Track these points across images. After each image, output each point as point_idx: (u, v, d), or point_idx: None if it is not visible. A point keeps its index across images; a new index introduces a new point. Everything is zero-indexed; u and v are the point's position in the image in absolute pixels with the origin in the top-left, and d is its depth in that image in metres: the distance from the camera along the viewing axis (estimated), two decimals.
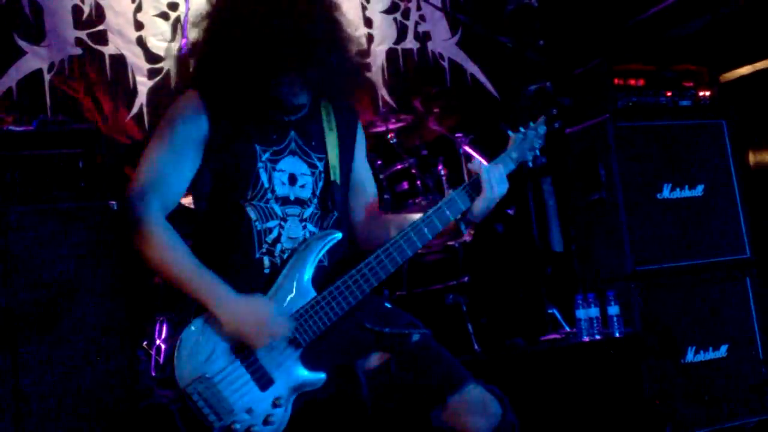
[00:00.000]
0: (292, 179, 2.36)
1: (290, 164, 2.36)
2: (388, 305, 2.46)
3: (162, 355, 3.88)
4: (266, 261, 2.31)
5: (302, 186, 2.37)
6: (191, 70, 2.39)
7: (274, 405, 2.22)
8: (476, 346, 4.05)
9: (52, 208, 3.53)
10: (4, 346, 3.33)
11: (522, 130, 2.51)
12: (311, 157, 2.39)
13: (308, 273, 2.28)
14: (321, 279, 2.31)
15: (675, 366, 4.13)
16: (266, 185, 2.32)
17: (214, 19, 2.32)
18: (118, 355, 3.51)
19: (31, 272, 3.45)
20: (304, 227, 2.35)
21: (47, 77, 4.76)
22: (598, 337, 4.10)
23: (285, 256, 2.31)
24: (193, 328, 2.21)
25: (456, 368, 2.33)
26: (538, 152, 2.54)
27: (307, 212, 2.36)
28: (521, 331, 4.37)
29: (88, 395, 3.41)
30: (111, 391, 3.44)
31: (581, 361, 3.93)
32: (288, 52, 2.23)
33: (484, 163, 2.39)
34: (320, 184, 2.39)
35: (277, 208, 2.33)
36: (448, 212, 2.35)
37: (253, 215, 2.31)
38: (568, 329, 4.44)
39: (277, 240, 2.32)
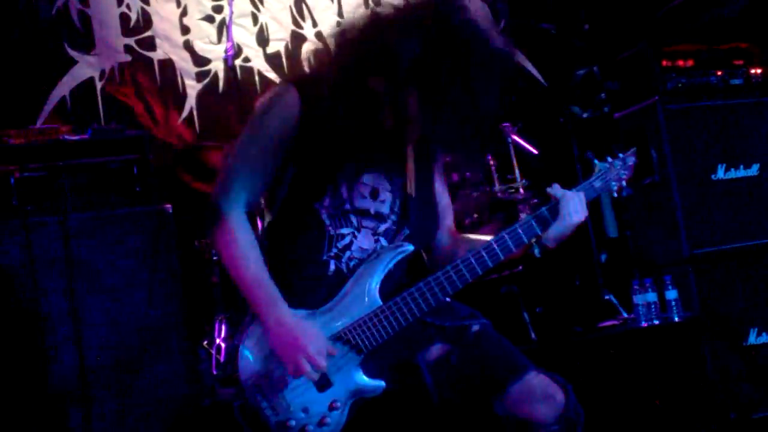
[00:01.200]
0: (374, 193, 2.34)
1: (373, 178, 2.34)
2: (447, 298, 2.46)
3: (222, 354, 3.94)
4: (332, 264, 2.30)
5: (383, 201, 2.35)
6: (306, 69, 2.36)
7: (331, 408, 2.23)
8: (533, 335, 4.03)
9: (110, 214, 3.62)
10: (72, 349, 3.42)
11: (609, 160, 2.45)
12: (392, 171, 2.37)
13: (376, 282, 2.27)
14: (389, 289, 2.30)
15: (737, 348, 4.07)
16: (344, 196, 2.30)
17: (360, 54, 2.22)
18: (180, 354, 3.59)
19: (92, 277, 3.54)
20: (377, 240, 2.34)
21: (99, 85, 4.86)
22: (656, 322, 4.06)
23: (352, 264, 2.30)
24: (255, 327, 2.23)
25: (516, 357, 2.32)
26: (624, 183, 2.47)
27: (382, 227, 2.35)
28: (578, 319, 4.34)
29: (151, 395, 3.49)
30: (174, 390, 3.51)
31: (641, 347, 3.90)
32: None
33: (563, 190, 2.35)
34: (398, 200, 2.37)
35: (354, 218, 2.32)
36: (522, 234, 2.32)
37: (327, 220, 2.30)
38: (625, 315, 4.40)
39: (348, 247, 2.31)
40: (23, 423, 3.33)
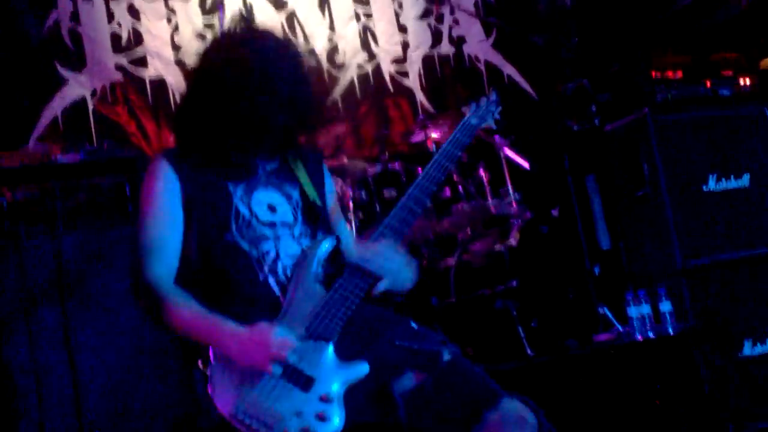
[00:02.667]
0: (272, 209, 2.42)
1: (265, 195, 2.43)
2: (415, 326, 2.47)
3: None
4: (271, 280, 2.34)
5: (284, 213, 2.42)
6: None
7: (323, 401, 2.21)
8: (529, 351, 4.03)
9: (103, 234, 3.61)
10: (65, 371, 3.41)
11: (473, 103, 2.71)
12: (284, 188, 2.46)
13: (314, 276, 2.32)
14: (329, 281, 2.33)
15: (731, 360, 4.08)
16: (248, 216, 2.38)
17: (196, 76, 2.49)
18: (175, 375, 3.57)
19: (86, 298, 3.53)
20: (299, 243, 2.40)
21: (91, 104, 4.86)
22: (651, 334, 4.06)
23: (289, 273, 2.34)
24: (216, 366, 2.26)
25: (489, 383, 2.32)
26: (498, 116, 2.71)
27: (297, 231, 2.41)
28: (573, 332, 4.35)
29: (145, 416, 3.47)
30: (169, 411, 3.50)
31: (636, 360, 3.89)
32: (253, 136, 2.39)
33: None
34: (299, 210, 2.45)
35: (267, 231, 2.38)
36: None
37: (245, 245, 2.35)
38: (620, 328, 4.40)
39: (276, 258, 2.36)
40: None
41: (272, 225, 2.39)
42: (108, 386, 3.48)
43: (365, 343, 2.33)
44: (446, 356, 2.34)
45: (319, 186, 2.54)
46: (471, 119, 2.64)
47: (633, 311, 4.12)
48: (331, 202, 2.61)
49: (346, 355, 2.27)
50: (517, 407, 2.26)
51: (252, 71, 2.39)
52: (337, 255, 2.41)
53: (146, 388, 3.50)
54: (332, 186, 2.67)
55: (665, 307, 4.09)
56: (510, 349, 3.91)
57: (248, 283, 2.33)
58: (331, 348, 2.25)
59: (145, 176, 2.44)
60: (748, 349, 4.16)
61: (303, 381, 2.20)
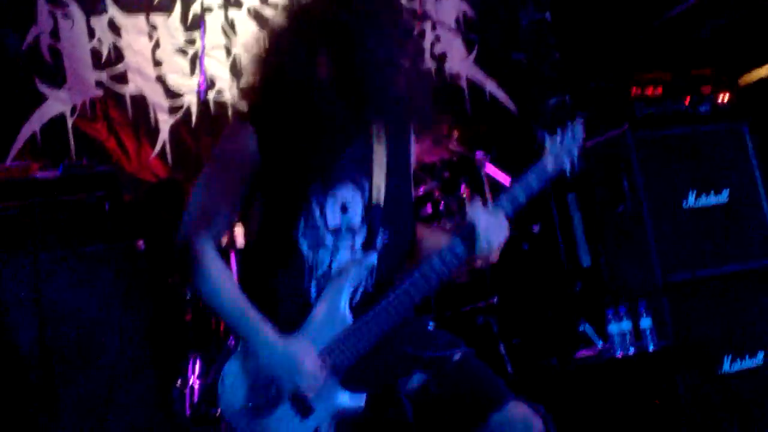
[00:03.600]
0: (344, 208, 2.34)
1: (341, 192, 2.34)
2: (430, 327, 2.46)
3: (196, 394, 3.90)
4: (314, 289, 2.31)
5: (353, 214, 2.34)
6: (246, 108, 2.37)
7: None
8: (509, 368, 4.03)
9: (81, 251, 3.59)
10: (42, 389, 3.37)
11: (558, 131, 2.38)
12: (360, 180, 2.36)
13: (344, 298, 2.27)
14: (364, 305, 2.30)
15: (711, 377, 4.09)
16: (318, 217, 2.31)
17: (270, 64, 2.29)
18: (153, 394, 3.54)
19: (63, 315, 3.50)
20: (354, 255, 2.34)
21: (70, 121, 4.83)
22: (631, 351, 4.06)
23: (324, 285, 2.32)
24: (235, 359, 2.24)
25: (497, 385, 2.31)
26: (576, 157, 2.36)
27: (359, 241, 2.34)
28: (554, 349, 4.35)
29: None
30: (147, 430, 3.47)
31: (616, 378, 3.89)
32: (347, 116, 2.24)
33: (479, 213, 2.27)
34: (369, 209, 2.35)
35: (329, 240, 2.31)
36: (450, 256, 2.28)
37: (305, 248, 2.30)
38: (600, 345, 4.40)
39: (329, 269, 2.31)
40: None
41: (337, 232, 2.32)
42: (85, 408, 3.44)
43: (374, 370, 2.31)
44: (456, 357, 2.32)
45: (399, 175, 2.39)
46: (546, 166, 2.32)
47: (614, 328, 4.13)
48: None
49: (349, 379, 2.26)
50: (524, 411, 2.26)
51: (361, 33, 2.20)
52: (380, 275, 2.34)
53: (124, 408, 3.47)
54: (413, 150, 2.49)
55: (645, 323, 4.09)
56: (491, 367, 3.90)
57: (293, 285, 2.30)
58: (337, 380, 2.25)
59: (224, 135, 2.36)
60: (727, 366, 4.17)
61: (304, 409, 2.22)
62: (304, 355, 2.20)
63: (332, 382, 2.25)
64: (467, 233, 2.25)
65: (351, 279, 2.29)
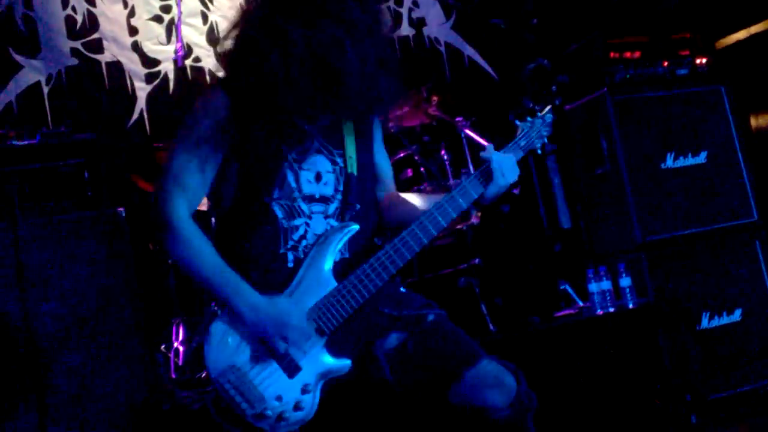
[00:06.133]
0: (318, 177, 2.39)
1: (315, 162, 2.39)
2: (403, 289, 2.51)
3: (181, 357, 3.91)
4: (290, 255, 2.34)
5: (326, 183, 2.40)
6: (223, 72, 2.39)
7: (303, 391, 2.27)
8: (492, 327, 4.07)
9: (61, 219, 3.56)
10: (27, 357, 3.36)
11: (529, 119, 2.55)
12: (333, 153, 2.42)
13: (328, 264, 2.32)
14: (342, 270, 2.34)
15: (690, 333, 4.15)
16: (293, 185, 2.35)
17: (246, 32, 2.31)
18: (137, 359, 3.55)
19: (46, 284, 3.48)
20: (328, 223, 2.39)
21: (46, 89, 4.78)
22: (611, 309, 4.12)
23: (308, 251, 2.35)
24: (220, 321, 2.25)
25: (470, 345, 2.38)
26: (546, 140, 2.58)
27: (331, 209, 2.40)
28: (536, 308, 4.39)
29: (110, 400, 3.45)
30: (133, 395, 3.48)
31: (597, 335, 3.95)
32: (319, 98, 2.27)
33: (495, 153, 2.43)
34: (341, 179, 2.42)
35: (304, 207, 2.37)
36: (461, 200, 2.39)
37: (279, 213, 2.34)
38: (581, 304, 4.45)
39: (303, 237, 2.36)
40: None
41: (311, 199, 2.37)
42: (71, 375, 3.44)
43: (355, 331, 2.35)
44: (431, 317, 2.39)
45: (366, 147, 2.49)
46: (519, 141, 2.52)
47: (594, 287, 4.18)
48: (378, 142, 2.56)
49: (333, 340, 2.30)
50: (496, 368, 2.32)
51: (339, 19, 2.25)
52: (358, 241, 2.40)
53: (109, 373, 3.47)
54: (380, 125, 2.58)
55: (625, 282, 4.15)
56: (473, 326, 3.94)
57: (268, 250, 2.33)
58: (323, 341, 2.30)
59: (197, 101, 2.37)
60: (705, 322, 4.24)
61: (292, 368, 2.26)
62: (291, 310, 2.25)
63: (318, 343, 2.29)
64: (485, 167, 2.40)
65: (333, 245, 2.33)
